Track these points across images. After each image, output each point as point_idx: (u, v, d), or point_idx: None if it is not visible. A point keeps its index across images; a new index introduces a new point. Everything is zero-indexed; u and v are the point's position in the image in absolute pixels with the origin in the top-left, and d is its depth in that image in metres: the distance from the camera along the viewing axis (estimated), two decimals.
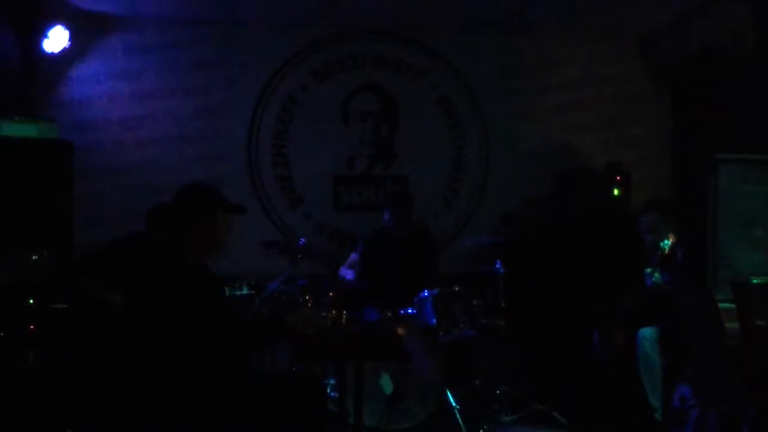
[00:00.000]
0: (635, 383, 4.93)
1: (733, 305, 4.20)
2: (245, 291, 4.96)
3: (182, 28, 6.33)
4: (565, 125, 6.86)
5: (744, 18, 5.74)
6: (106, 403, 2.85)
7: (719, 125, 6.08)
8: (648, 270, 5.14)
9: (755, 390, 3.89)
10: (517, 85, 6.85)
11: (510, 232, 5.77)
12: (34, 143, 4.83)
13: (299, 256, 5.07)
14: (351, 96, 6.63)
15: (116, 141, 6.21)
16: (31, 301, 4.15)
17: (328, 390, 4.36)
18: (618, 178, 6.29)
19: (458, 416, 4.64)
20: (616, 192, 6.25)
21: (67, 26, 5.76)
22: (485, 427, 4.79)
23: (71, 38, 5.79)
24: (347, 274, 5.46)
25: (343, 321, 4.75)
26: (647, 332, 4.94)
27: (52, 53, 5.79)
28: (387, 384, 4.57)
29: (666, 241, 4.94)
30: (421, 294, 4.93)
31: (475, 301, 5.10)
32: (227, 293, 4.71)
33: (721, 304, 4.21)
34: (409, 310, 4.93)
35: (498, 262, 5.35)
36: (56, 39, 5.74)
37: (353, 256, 5.55)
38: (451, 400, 4.69)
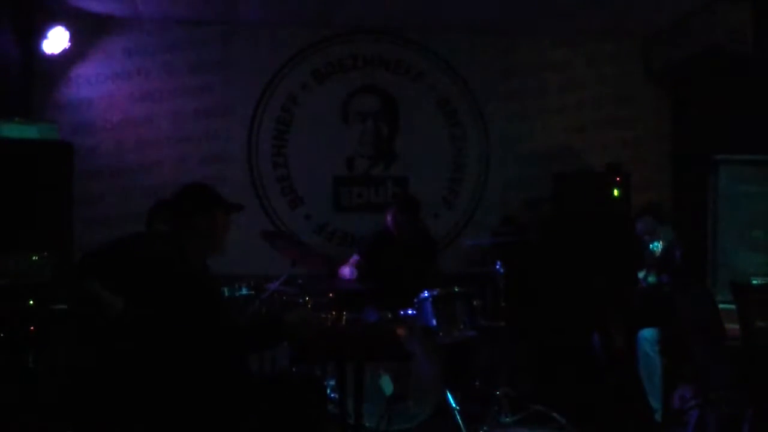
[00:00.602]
0: (635, 384, 4.93)
1: (733, 306, 4.20)
2: (245, 291, 4.95)
3: (182, 28, 6.34)
4: (565, 125, 6.87)
5: (744, 18, 5.74)
6: (107, 404, 2.85)
7: (719, 125, 6.08)
8: (641, 274, 5.13)
9: (755, 390, 3.89)
10: (517, 85, 6.86)
11: (510, 232, 5.77)
12: (34, 144, 4.83)
13: (299, 255, 5.07)
14: (351, 96, 6.64)
15: (116, 142, 6.22)
16: (31, 301, 4.14)
17: (328, 391, 4.35)
18: (618, 178, 6.29)
19: (458, 417, 4.63)
20: (615, 192, 6.25)
21: (68, 27, 5.77)
22: (485, 428, 4.79)
23: (71, 39, 5.80)
24: (347, 274, 5.45)
25: (343, 321, 4.75)
26: (647, 333, 4.94)
27: (53, 54, 5.80)
28: (387, 384, 4.57)
29: (656, 244, 4.90)
30: (421, 294, 4.93)
31: (475, 302, 5.10)
32: (227, 294, 4.71)
33: (721, 305, 4.22)
34: (409, 311, 4.93)
35: (498, 262, 5.34)
36: (56, 40, 5.75)
37: (353, 257, 5.55)
38: (451, 400, 4.69)
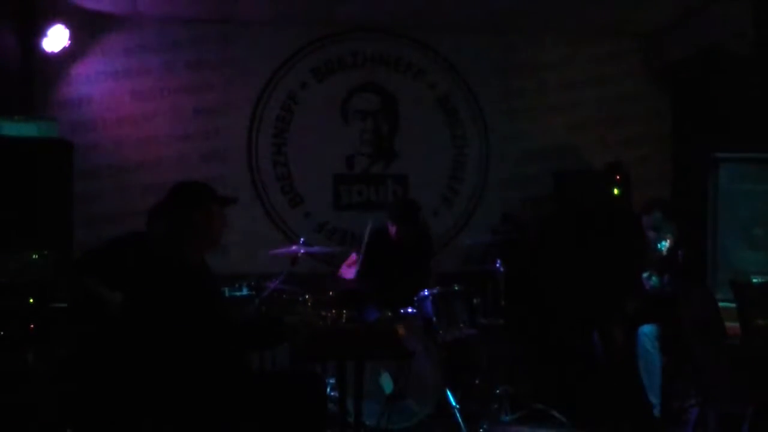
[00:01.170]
0: (634, 382, 4.93)
1: (733, 305, 4.20)
2: (245, 291, 4.96)
3: (182, 27, 6.33)
4: (565, 125, 6.86)
5: (744, 18, 5.73)
6: (106, 403, 2.85)
7: (719, 125, 6.07)
8: (645, 274, 5.12)
9: (755, 390, 3.89)
10: (517, 84, 6.85)
11: (510, 231, 5.77)
12: (34, 142, 4.83)
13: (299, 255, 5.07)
14: (351, 95, 6.63)
15: (116, 140, 6.21)
16: (31, 300, 4.13)
17: (328, 389, 4.35)
18: (618, 177, 6.29)
19: (458, 415, 4.64)
20: (615, 191, 6.25)
21: (67, 25, 5.76)
22: (485, 426, 4.80)
23: (71, 37, 5.79)
24: (347, 273, 5.45)
25: (343, 320, 4.75)
26: (647, 329, 4.94)
27: (53, 52, 5.79)
28: (387, 383, 4.57)
29: (663, 243, 4.88)
30: (422, 293, 4.93)
31: (475, 300, 5.11)
32: (227, 294, 4.71)
33: (721, 304, 4.22)
34: (409, 310, 4.93)
35: (498, 261, 5.35)
36: (56, 38, 5.74)
37: (353, 255, 5.55)
38: (451, 399, 4.70)
